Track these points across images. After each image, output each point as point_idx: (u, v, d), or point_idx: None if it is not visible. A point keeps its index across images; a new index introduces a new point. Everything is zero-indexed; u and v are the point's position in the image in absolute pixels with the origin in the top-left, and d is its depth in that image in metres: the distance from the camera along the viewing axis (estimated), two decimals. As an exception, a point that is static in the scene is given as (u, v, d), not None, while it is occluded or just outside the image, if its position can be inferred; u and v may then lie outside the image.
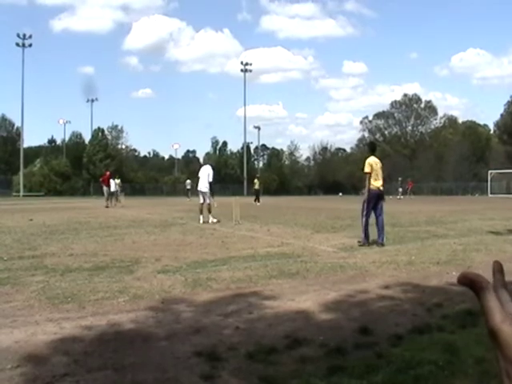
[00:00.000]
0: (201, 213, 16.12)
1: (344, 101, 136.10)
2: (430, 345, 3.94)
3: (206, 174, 16.15)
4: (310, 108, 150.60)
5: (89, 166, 76.92)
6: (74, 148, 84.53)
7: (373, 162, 10.39)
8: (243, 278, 6.58)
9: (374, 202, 10.28)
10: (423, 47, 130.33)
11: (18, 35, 67.20)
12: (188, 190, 53.42)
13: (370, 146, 11.28)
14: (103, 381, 3.37)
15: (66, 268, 7.44)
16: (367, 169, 10.29)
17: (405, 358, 3.64)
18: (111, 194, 30.79)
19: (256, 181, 35.61)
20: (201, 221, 15.89)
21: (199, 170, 16.73)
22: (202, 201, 16.27)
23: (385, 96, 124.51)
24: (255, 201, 33.00)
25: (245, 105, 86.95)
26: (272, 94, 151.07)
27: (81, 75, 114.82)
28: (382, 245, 9.90)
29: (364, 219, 10.19)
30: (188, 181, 56.24)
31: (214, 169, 16.60)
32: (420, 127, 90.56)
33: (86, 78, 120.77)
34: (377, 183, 10.35)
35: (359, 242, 10.15)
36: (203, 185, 16.17)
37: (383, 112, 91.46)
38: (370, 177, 10.26)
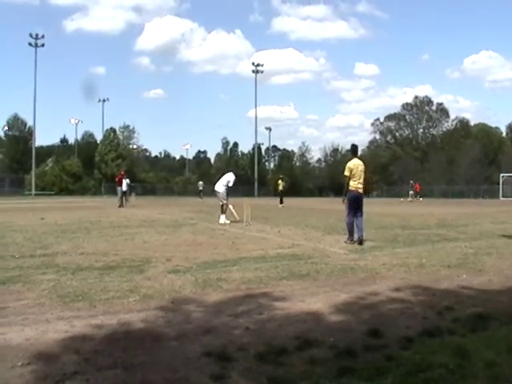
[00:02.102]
0: (221, 212, 16.37)
1: (355, 102, 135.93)
2: (440, 348, 3.91)
3: (226, 179, 16.63)
4: (321, 109, 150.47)
5: (100, 166, 77.31)
6: (86, 147, 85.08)
7: (352, 166, 10.79)
8: (253, 279, 6.58)
9: (354, 202, 10.77)
10: (435, 49, 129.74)
11: (31, 35, 67.75)
12: (200, 191, 53.63)
13: (352, 149, 11.43)
14: (113, 379, 3.38)
15: (77, 267, 7.48)
16: (346, 172, 10.78)
17: (415, 361, 3.61)
18: (124, 194, 30.90)
19: (280, 182, 34.76)
20: (220, 221, 16.05)
21: (222, 175, 17.32)
22: (220, 202, 16.60)
23: (396, 98, 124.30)
24: (281, 203, 32.40)
25: (256, 106, 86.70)
26: (283, 95, 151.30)
27: (92, 75, 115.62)
28: (362, 240, 10.45)
29: (347, 219, 10.81)
30: (200, 182, 56.56)
31: (236, 176, 16.99)
32: (431, 130, 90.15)
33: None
34: (356, 185, 10.76)
35: (346, 241, 10.62)
36: (219, 186, 16.60)
37: (395, 114, 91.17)
38: (349, 179, 10.73)
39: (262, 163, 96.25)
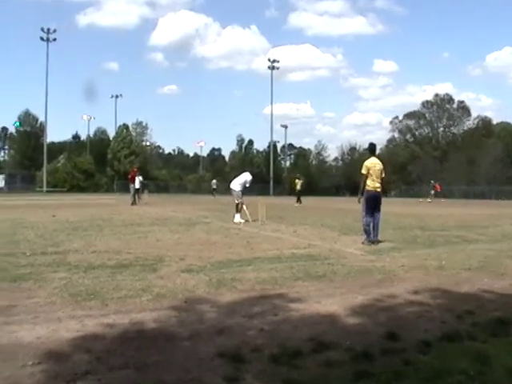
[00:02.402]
0: (236, 211, 16.46)
1: (373, 100, 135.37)
2: (460, 353, 3.88)
3: (243, 178, 16.70)
4: (338, 107, 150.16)
5: (113, 163, 77.69)
6: (98, 144, 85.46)
7: (370, 164, 10.82)
8: (268, 280, 6.58)
9: (372, 202, 10.76)
10: (456, 46, 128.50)
11: (43, 29, 67.85)
12: (214, 189, 53.78)
13: (369, 148, 11.47)
14: (125, 379, 3.40)
15: (89, 265, 7.54)
16: (363, 170, 10.78)
17: (433, 366, 3.59)
18: (137, 191, 31.02)
19: (297, 181, 34.72)
20: (234, 220, 16.18)
21: (239, 173, 17.43)
22: (235, 200, 16.67)
23: (416, 96, 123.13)
24: (298, 202, 32.49)
25: (272, 103, 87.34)
26: (299, 92, 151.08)
27: (106, 71, 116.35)
28: (377, 241, 10.54)
29: (364, 219, 10.79)
30: (214, 180, 56.72)
31: (253, 176, 17.07)
32: (452, 128, 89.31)
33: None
34: (373, 184, 10.76)
35: (363, 242, 10.61)
36: (235, 185, 16.67)
37: (414, 112, 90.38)
38: (367, 178, 10.73)
39: (278, 161, 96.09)
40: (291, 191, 55.84)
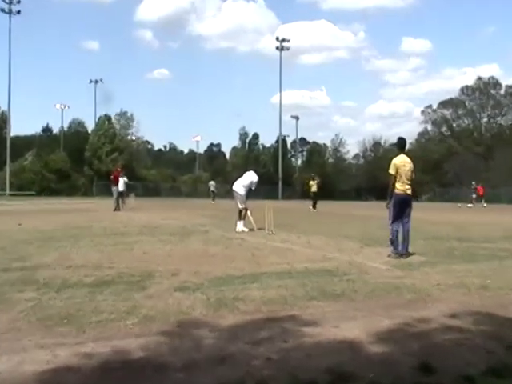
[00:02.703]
0: (238, 218, 16.55)
1: (402, 86, 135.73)
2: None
3: (248, 179, 16.76)
4: (359, 95, 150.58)
5: (92, 161, 77.92)
6: (74, 138, 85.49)
7: (399, 163, 10.80)
8: (277, 299, 6.58)
9: (400, 207, 10.76)
10: (503, 19, 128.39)
11: (3, -1, 66.95)
12: (212, 192, 53.80)
13: (398, 143, 11.38)
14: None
15: (63, 283, 7.53)
16: (391, 170, 10.74)
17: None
18: (120, 195, 31.03)
19: (312, 182, 34.60)
20: (237, 228, 16.29)
21: (242, 173, 17.50)
22: (238, 205, 16.74)
23: (453, 80, 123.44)
24: (313, 207, 32.48)
25: (280, 90, 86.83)
26: (314, 77, 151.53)
27: (83, 51, 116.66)
28: (406, 254, 10.56)
29: (391, 228, 10.80)
30: (212, 182, 56.71)
31: (259, 176, 17.13)
32: (498, 119, 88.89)
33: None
34: (403, 186, 10.75)
35: (389, 255, 10.62)
36: (240, 186, 16.73)
37: (451, 100, 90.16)
38: (396, 179, 10.71)
39: (288, 159, 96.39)
40: (304, 194, 55.74)
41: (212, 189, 54.43)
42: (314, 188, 34.03)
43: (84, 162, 78.79)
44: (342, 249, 11.93)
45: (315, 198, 33.43)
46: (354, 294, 7.00)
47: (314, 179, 34.67)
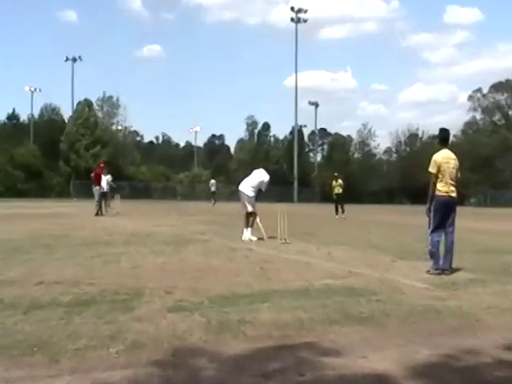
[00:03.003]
0: (245, 225, 16.61)
1: (444, 66, 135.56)
2: None
3: (257, 178, 16.88)
4: (392, 76, 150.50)
5: (69, 155, 77.97)
6: (47, 128, 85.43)
7: (441, 159, 10.74)
8: (291, 323, 6.57)
9: (443, 213, 10.70)
10: None
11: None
12: (213, 192, 53.85)
13: (440, 136, 11.25)
14: None
15: (33, 303, 7.51)
16: (432, 168, 10.67)
17: None
18: (104, 196, 31.05)
19: (335, 183, 34.38)
20: (243, 236, 16.36)
21: (250, 173, 17.55)
22: (244, 209, 16.83)
23: (509, 58, 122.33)
24: (341, 211, 32.25)
25: (296, 71, 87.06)
26: (336, 55, 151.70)
27: (59, 23, 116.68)
28: (450, 270, 10.54)
29: (431, 238, 10.74)
30: (212, 181, 56.75)
31: (270, 175, 17.18)
32: None
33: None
34: (446, 188, 10.71)
35: (429, 270, 10.59)
36: (248, 186, 16.80)
37: (507, 82, 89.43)
38: (437, 179, 10.65)
39: (305, 154, 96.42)
40: (324, 196, 55.66)
41: (213, 189, 54.35)
42: (337, 190, 33.87)
43: (59, 156, 78.87)
44: (371, 263, 11.93)
45: (339, 201, 33.28)
46: (384, 317, 6.98)
47: (337, 178, 34.37)
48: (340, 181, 34.16)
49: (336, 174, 35.59)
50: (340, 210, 32.59)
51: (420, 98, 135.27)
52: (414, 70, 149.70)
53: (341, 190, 33.70)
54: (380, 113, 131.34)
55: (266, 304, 7.53)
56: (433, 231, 10.75)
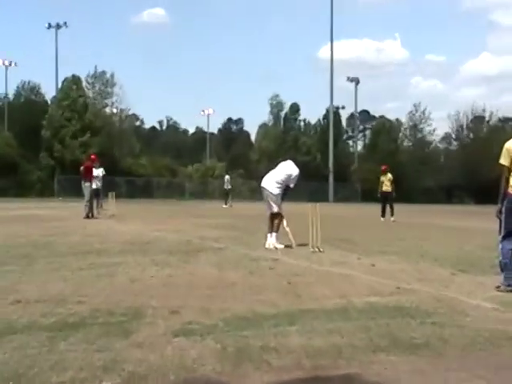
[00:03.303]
0: (270, 230, 16.67)
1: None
2: None
3: (284, 172, 16.85)
4: (451, 45, 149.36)
5: (52, 145, 78.13)
6: (25, 111, 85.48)
7: None
8: (326, 350, 6.56)
9: None
10: None
11: None
12: (228, 190, 53.77)
13: None
14: None
15: (8, 326, 7.52)
16: (504, 159, 10.48)
17: None
18: (96, 195, 31.10)
19: (383, 177, 33.91)
20: (267, 244, 16.44)
21: (275, 166, 17.57)
22: (269, 209, 16.85)
23: None
24: (390, 213, 31.93)
25: (332, 40, 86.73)
26: (382, 19, 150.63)
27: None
28: None
29: (501, 246, 10.59)
30: (227, 176, 56.43)
31: (300, 169, 17.10)
32: None
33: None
34: None
35: (498, 286, 10.47)
36: (273, 182, 16.79)
37: None
38: (510, 173, 10.44)
39: (343, 142, 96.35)
40: (367, 194, 55.43)
41: (227, 185, 54.07)
42: (386, 186, 33.34)
43: (40, 146, 79.03)
44: (425, 277, 11.91)
45: (387, 200, 32.91)
46: (443, 345, 6.94)
47: (385, 173, 33.78)
48: (389, 175, 33.61)
49: (384, 167, 34.94)
50: (389, 211, 32.32)
51: (487, 72, 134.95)
52: (480, 36, 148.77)
53: (390, 188, 33.17)
54: (436, 90, 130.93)
55: (294, 327, 7.53)
56: (504, 238, 10.60)
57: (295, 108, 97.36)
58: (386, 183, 33.28)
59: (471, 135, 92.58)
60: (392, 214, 31.93)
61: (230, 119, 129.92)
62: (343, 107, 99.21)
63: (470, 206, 69.61)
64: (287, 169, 16.77)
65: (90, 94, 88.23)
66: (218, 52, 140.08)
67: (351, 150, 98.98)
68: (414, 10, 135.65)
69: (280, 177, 16.63)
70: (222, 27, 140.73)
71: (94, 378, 5.62)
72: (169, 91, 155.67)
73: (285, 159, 17.60)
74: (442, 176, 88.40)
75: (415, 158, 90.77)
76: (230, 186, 54.33)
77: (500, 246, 10.62)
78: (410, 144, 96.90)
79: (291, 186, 16.65)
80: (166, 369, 5.90)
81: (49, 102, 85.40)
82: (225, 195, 53.89)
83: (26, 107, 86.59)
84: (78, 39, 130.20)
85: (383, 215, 32.19)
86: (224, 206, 49.91)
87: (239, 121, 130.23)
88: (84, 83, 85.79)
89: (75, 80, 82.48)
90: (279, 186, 16.54)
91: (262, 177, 17.27)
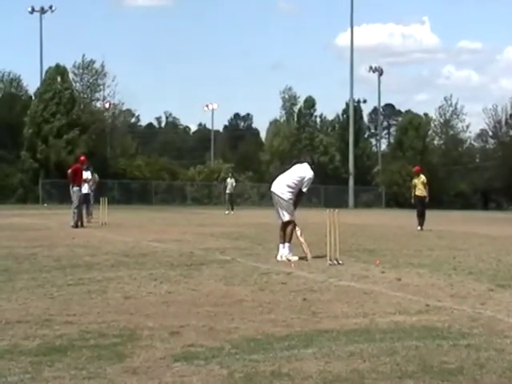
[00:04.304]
0: (282, 240, 16.61)
1: None
2: None
3: (296, 175, 16.82)
4: (489, 31, 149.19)
5: (35, 144, 78.02)
6: (5, 106, 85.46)
7: None
8: (346, 376, 6.55)
9: None
10: None
11: None
12: (229, 195, 53.79)
13: None
14: None
15: (-13, 349, 7.58)
16: None
17: None
18: (85, 201, 31.13)
19: (416, 181, 33.31)
20: (278, 255, 16.43)
21: (288, 168, 17.64)
22: (280, 217, 16.82)
23: None
24: (421, 224, 31.66)
25: (352, 25, 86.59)
26: (408, 2, 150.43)
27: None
28: None
29: None
30: (229, 179, 56.42)
31: (315, 171, 17.13)
32: None
33: None
34: None
35: None
36: (283, 186, 16.74)
37: None
38: None
39: (364, 140, 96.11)
40: (391, 198, 55.37)
41: (229, 189, 54.11)
42: (420, 190, 32.85)
43: (21, 145, 79.03)
44: (458, 293, 11.89)
45: (421, 206, 32.49)
46: (478, 370, 6.90)
47: (418, 174, 33.29)
48: (423, 177, 32.95)
49: (417, 168, 34.36)
50: (421, 220, 31.88)
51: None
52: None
53: (425, 192, 32.57)
54: (471, 81, 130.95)
55: (310, 349, 7.53)
56: None
57: (310, 102, 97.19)
58: (420, 186, 32.79)
59: (511, 132, 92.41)
60: (421, 223, 31.62)
61: (236, 115, 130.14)
62: (365, 101, 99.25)
63: (509, 211, 69.53)
64: (300, 171, 16.72)
65: (78, 85, 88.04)
66: (224, 39, 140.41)
67: (374, 149, 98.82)
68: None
69: (292, 180, 16.58)
70: (228, 11, 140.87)
71: (83, 409, 5.65)
72: (168, 84, 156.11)
73: (301, 161, 17.49)
74: (478, 178, 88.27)
75: (447, 158, 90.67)
76: (230, 190, 54.31)
77: None
78: (441, 142, 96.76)
79: (304, 190, 16.61)
80: (165, 398, 5.92)
81: (31, 96, 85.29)
82: (229, 200, 53.92)
83: (5, 102, 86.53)
84: (65, 25, 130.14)
85: (421, 224, 31.65)
86: (230, 212, 49.99)
87: (247, 117, 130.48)
88: (70, 74, 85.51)
89: (60, 70, 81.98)
90: (291, 190, 16.47)
91: (273, 180, 17.24)
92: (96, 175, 35.33)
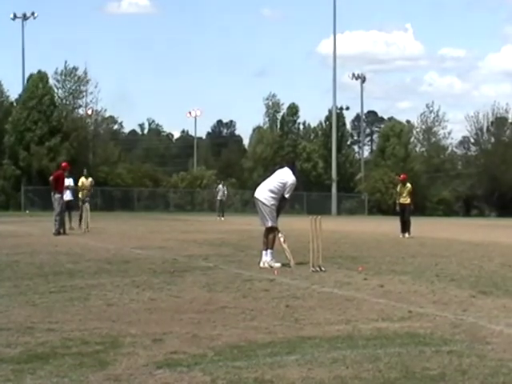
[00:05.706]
0: (265, 246, 16.66)
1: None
2: None
3: (278, 180, 16.81)
4: (471, 38, 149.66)
5: (16, 152, 77.78)
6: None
7: None
8: (329, 383, 6.54)
9: None
10: None
11: None
12: (220, 202, 53.88)
13: None
14: None
15: (-32, 357, 7.55)
16: None
17: None
18: (68, 207, 31.06)
19: (402, 188, 33.32)
20: (261, 262, 16.47)
21: (270, 174, 17.63)
22: (263, 223, 16.89)
23: None
24: (405, 228, 31.61)
25: (334, 32, 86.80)
26: (391, 9, 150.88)
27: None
28: None
29: None
30: (220, 186, 56.66)
31: (297, 177, 17.13)
32: None
33: None
34: None
35: None
36: (266, 191, 16.76)
37: None
38: None
39: (347, 147, 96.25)
40: (374, 206, 55.43)
41: (220, 196, 54.31)
42: (404, 197, 32.87)
43: (3, 153, 78.82)
44: (440, 299, 11.93)
45: (406, 214, 32.55)
46: (460, 377, 6.91)
47: (404, 182, 33.25)
48: (409, 185, 33.03)
49: (403, 176, 34.37)
50: (405, 228, 31.94)
51: (510, 67, 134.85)
52: (502, 27, 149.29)
53: (409, 200, 32.64)
54: (453, 88, 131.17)
55: (293, 356, 7.53)
56: None
57: (294, 109, 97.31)
58: (404, 194, 32.82)
59: (492, 139, 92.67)
60: (408, 230, 31.68)
61: (219, 122, 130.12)
62: (347, 108, 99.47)
63: (491, 218, 69.68)
64: (283, 176, 16.70)
65: (60, 91, 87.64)
66: (207, 46, 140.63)
67: (357, 156, 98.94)
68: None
69: (274, 185, 16.58)
70: (212, 19, 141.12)
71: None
72: (151, 90, 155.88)
73: (282, 166, 17.55)
74: (460, 185, 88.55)
75: (429, 166, 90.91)
76: (221, 197, 54.42)
77: None
78: (424, 149, 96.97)
79: (286, 196, 16.59)
80: (147, 406, 5.92)
81: (13, 102, 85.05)
82: (219, 207, 54.02)
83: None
84: (46, 31, 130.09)
85: (404, 231, 31.80)
86: (221, 218, 50.06)
87: (230, 124, 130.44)
88: (51, 80, 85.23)
89: (41, 76, 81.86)
90: (273, 196, 16.47)
91: (256, 186, 17.24)
92: (91, 179, 35.36)
